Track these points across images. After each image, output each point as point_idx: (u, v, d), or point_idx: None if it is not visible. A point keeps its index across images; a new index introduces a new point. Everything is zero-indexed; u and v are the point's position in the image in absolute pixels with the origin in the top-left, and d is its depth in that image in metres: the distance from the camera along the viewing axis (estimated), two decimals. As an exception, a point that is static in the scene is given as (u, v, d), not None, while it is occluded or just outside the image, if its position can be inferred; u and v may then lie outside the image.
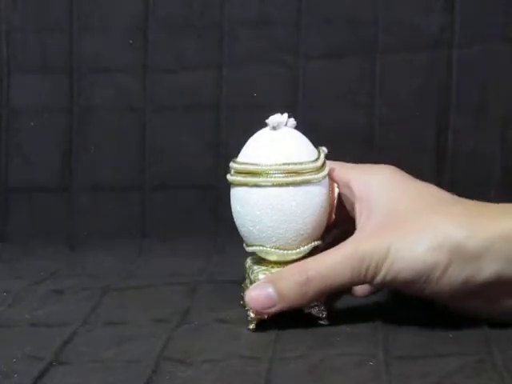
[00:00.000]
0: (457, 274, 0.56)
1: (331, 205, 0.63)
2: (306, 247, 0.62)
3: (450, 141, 0.79)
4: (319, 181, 0.61)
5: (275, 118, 0.62)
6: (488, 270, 0.56)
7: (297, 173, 0.61)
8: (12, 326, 0.62)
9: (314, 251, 0.62)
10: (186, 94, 0.82)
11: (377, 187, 0.61)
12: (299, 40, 0.80)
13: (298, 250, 0.61)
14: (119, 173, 0.83)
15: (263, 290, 0.59)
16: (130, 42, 0.82)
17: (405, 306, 0.64)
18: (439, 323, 0.60)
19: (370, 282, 0.58)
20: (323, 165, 0.62)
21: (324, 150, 0.63)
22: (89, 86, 0.83)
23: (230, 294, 0.64)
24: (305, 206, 0.61)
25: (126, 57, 0.82)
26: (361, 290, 0.65)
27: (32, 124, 0.83)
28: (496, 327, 0.58)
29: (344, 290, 0.63)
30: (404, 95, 0.79)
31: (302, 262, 0.60)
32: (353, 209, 0.62)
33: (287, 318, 0.61)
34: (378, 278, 0.57)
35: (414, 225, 0.57)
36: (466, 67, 0.79)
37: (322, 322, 0.61)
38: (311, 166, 0.62)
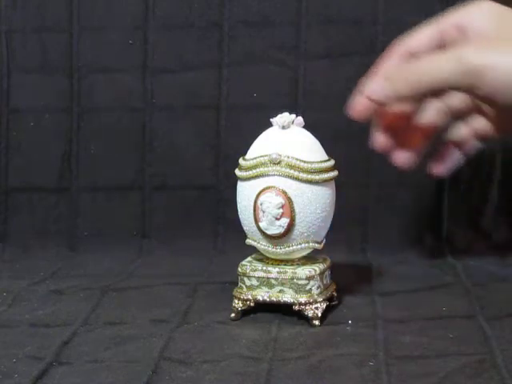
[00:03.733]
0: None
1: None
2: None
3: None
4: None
5: (284, 117, 0.63)
6: None
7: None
8: (12, 326, 0.62)
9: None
10: (186, 94, 0.82)
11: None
12: (299, 40, 0.80)
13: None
14: (119, 173, 0.83)
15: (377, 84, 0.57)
16: (130, 42, 0.82)
17: (405, 305, 0.64)
18: (439, 323, 0.60)
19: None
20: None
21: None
22: (89, 86, 0.83)
23: (229, 295, 0.64)
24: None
25: (126, 57, 0.82)
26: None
27: (32, 124, 0.83)
28: (496, 327, 0.58)
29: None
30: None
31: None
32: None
33: (287, 318, 0.61)
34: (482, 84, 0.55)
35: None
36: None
37: (314, 323, 0.61)
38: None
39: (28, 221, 0.83)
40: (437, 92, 0.57)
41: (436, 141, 0.61)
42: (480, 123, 0.61)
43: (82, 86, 0.83)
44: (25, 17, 0.83)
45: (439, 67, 0.56)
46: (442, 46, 0.59)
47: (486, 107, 0.61)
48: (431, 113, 0.61)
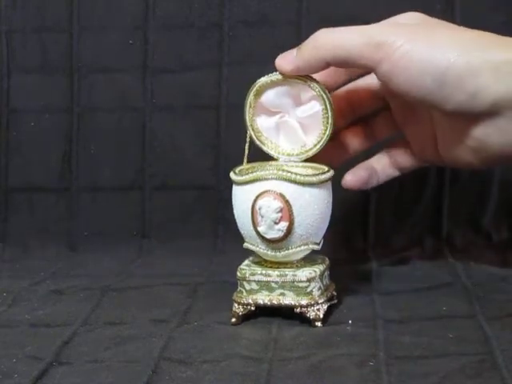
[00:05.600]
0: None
1: None
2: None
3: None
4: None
5: None
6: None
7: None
8: (12, 326, 0.62)
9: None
10: (186, 94, 0.82)
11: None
12: (299, 40, 0.79)
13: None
14: (119, 173, 0.83)
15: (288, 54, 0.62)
16: (130, 42, 0.82)
17: (405, 305, 0.64)
18: (439, 323, 0.60)
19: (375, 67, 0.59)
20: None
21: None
22: (89, 86, 0.83)
23: (229, 295, 0.64)
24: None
25: (126, 57, 0.82)
26: (353, 179, 0.67)
27: (32, 124, 0.83)
28: (496, 327, 0.58)
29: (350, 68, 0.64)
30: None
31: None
32: None
33: (287, 319, 0.61)
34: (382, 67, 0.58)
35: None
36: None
37: (317, 324, 0.61)
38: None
39: (28, 221, 0.83)
40: (342, 63, 0.60)
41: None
42: (401, 155, 0.66)
43: (82, 86, 0.83)
44: (25, 17, 0.83)
45: (344, 37, 0.59)
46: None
47: (393, 104, 0.62)
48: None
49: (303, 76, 0.62)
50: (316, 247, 0.63)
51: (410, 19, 0.63)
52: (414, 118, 0.64)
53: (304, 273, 0.62)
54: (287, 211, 0.60)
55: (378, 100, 0.66)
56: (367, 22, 0.79)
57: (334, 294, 0.65)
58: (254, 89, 0.64)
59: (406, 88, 0.58)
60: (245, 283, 0.63)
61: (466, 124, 0.59)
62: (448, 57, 0.57)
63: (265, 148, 0.65)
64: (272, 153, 0.65)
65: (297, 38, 0.80)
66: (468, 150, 0.60)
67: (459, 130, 0.60)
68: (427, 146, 0.64)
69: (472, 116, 0.58)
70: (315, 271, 0.62)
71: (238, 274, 0.63)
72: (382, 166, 0.67)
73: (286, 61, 0.61)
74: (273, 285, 0.62)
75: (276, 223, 0.61)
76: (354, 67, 0.61)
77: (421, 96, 0.58)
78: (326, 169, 0.62)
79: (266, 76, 0.63)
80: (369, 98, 0.66)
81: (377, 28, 0.61)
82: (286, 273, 0.62)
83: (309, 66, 0.61)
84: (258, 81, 0.64)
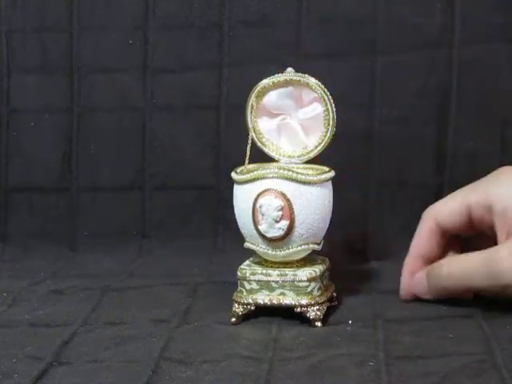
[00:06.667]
0: None
1: None
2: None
3: (450, 140, 0.79)
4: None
5: None
6: None
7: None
8: (12, 326, 0.62)
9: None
10: (186, 94, 0.82)
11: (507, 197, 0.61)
12: (299, 40, 0.80)
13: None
14: (119, 173, 0.83)
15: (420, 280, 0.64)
16: (130, 42, 0.82)
17: (405, 306, 0.64)
18: (439, 323, 0.60)
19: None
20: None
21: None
22: (89, 86, 0.83)
23: (229, 295, 0.64)
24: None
25: (126, 57, 0.82)
26: None
27: (32, 124, 0.83)
28: (496, 327, 0.58)
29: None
30: (404, 95, 0.79)
31: (445, 260, 0.63)
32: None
33: (287, 319, 0.61)
34: None
35: None
36: (466, 67, 0.78)
37: (317, 324, 0.61)
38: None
39: (28, 221, 0.83)
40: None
41: None
42: None
43: (82, 86, 0.83)
44: (25, 17, 0.83)
45: (469, 272, 0.61)
46: (470, 222, 0.63)
47: None
48: None
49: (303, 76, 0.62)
50: (316, 247, 0.63)
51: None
52: None
53: (304, 273, 0.62)
54: (288, 210, 0.60)
55: None
56: (367, 22, 0.79)
57: (334, 294, 0.65)
58: (256, 90, 0.64)
59: None
60: (245, 283, 0.63)
61: None
62: None
63: (266, 150, 0.65)
64: (273, 154, 0.65)
65: (297, 38, 0.80)
66: None
67: None
68: None
69: None
70: (315, 271, 0.62)
71: (239, 273, 0.63)
72: None
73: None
74: (273, 284, 0.62)
75: (277, 222, 0.61)
76: None
77: None
78: (327, 169, 0.62)
79: (268, 78, 0.63)
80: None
81: (503, 253, 0.60)
82: (287, 272, 0.62)
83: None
84: (260, 83, 0.64)
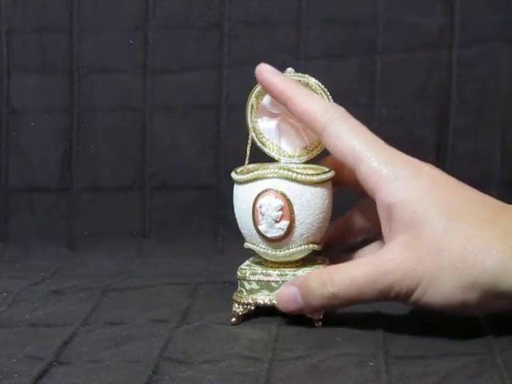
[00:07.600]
0: (489, 305, 0.56)
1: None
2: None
3: (450, 141, 0.79)
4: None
5: None
6: None
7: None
8: (12, 326, 0.62)
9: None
10: (186, 94, 0.82)
11: (406, 192, 0.58)
12: (299, 40, 0.80)
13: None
14: (119, 173, 0.83)
15: (292, 297, 0.60)
16: (130, 42, 0.82)
17: (405, 306, 0.64)
18: (439, 323, 0.60)
19: (401, 302, 0.58)
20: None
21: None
22: (89, 86, 0.83)
23: (229, 295, 0.64)
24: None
25: (126, 57, 0.82)
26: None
27: (32, 124, 0.83)
28: (496, 327, 0.58)
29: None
30: (404, 95, 0.79)
31: (325, 273, 0.59)
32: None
33: (287, 318, 0.61)
34: (410, 301, 0.57)
35: (448, 256, 0.55)
36: (466, 67, 0.79)
37: (316, 325, 0.61)
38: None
39: (28, 221, 0.83)
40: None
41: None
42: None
43: (81, 86, 0.83)
44: (25, 17, 0.83)
45: (359, 291, 0.58)
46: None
47: None
48: None
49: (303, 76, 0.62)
50: (316, 247, 0.63)
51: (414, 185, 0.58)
52: None
53: (304, 272, 0.62)
54: (288, 210, 0.60)
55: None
56: (367, 22, 0.80)
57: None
58: (256, 90, 0.64)
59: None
60: (245, 283, 0.63)
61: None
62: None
63: (266, 150, 0.65)
64: (273, 154, 0.65)
65: (297, 38, 0.80)
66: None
67: None
68: None
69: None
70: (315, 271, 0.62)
71: (239, 273, 0.63)
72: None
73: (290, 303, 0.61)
74: (273, 284, 0.62)
75: (277, 222, 0.61)
76: None
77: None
78: (327, 169, 0.62)
79: None
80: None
81: (390, 271, 0.57)
82: (287, 272, 0.62)
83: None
84: None
